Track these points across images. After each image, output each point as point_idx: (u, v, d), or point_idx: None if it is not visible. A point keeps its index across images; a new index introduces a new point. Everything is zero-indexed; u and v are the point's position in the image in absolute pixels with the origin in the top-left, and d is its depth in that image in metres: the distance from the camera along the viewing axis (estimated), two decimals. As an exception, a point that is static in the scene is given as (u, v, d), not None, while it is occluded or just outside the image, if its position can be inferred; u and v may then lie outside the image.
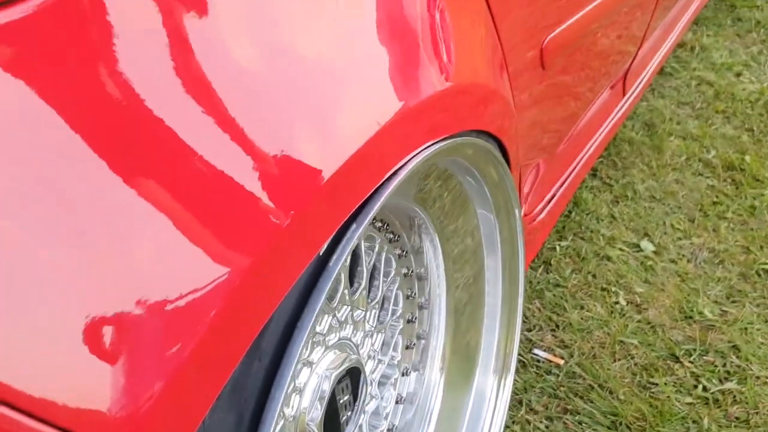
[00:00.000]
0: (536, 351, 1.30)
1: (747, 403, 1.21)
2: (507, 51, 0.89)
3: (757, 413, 1.20)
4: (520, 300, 0.93)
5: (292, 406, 0.72)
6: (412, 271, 0.92)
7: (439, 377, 0.93)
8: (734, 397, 1.22)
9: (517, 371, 1.26)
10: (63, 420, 0.37)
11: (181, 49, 0.44)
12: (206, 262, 0.43)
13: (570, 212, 1.64)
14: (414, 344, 0.96)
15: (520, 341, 1.31)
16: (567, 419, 1.18)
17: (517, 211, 0.84)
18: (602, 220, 1.62)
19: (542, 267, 1.48)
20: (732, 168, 1.81)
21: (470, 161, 0.75)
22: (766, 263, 1.50)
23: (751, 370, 1.27)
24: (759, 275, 1.47)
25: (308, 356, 0.72)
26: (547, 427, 1.17)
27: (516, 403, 1.21)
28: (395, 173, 0.59)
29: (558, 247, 1.53)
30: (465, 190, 0.78)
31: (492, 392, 0.94)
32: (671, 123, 2.02)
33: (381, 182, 0.58)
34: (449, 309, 0.92)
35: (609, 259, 1.51)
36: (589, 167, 1.57)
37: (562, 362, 1.28)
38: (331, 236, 0.52)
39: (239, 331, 0.45)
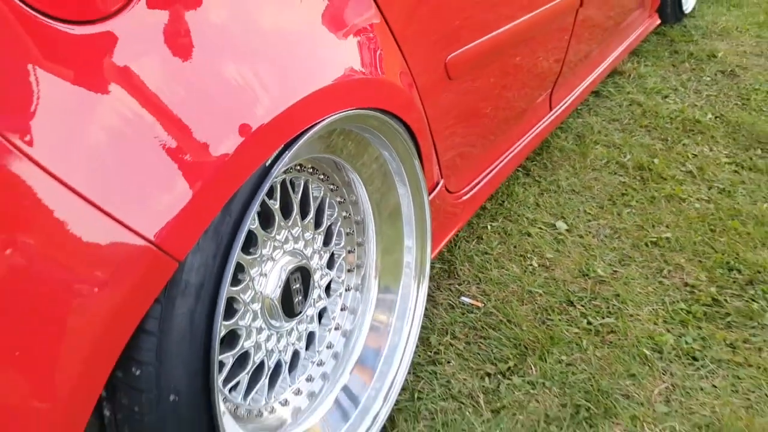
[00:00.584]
0: (463, 298, 1.68)
1: (619, 332, 1.58)
2: (413, 66, 1.29)
3: (626, 339, 1.57)
4: (428, 228, 1.32)
5: (261, 286, 1.10)
6: (350, 215, 1.32)
7: (375, 282, 1.32)
8: (611, 328, 1.60)
9: (445, 311, 1.64)
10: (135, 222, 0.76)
11: (186, 41, 0.84)
12: (205, 157, 0.82)
13: (503, 202, 2.04)
14: (354, 269, 1.35)
15: (450, 290, 1.70)
16: (481, 342, 1.56)
17: (416, 162, 1.23)
18: (528, 207, 2.01)
19: (475, 240, 1.87)
20: (642, 168, 2.20)
21: (377, 128, 1.16)
22: (654, 237, 1.88)
23: (627, 310, 1.65)
24: (647, 246, 1.86)
25: (271, 254, 1.12)
26: (465, 348, 1.55)
27: (443, 332, 1.58)
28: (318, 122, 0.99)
29: (489, 226, 1.93)
30: (366, 138, 1.17)
31: (413, 292, 1.33)
32: (599, 135, 2.42)
33: (310, 126, 0.98)
34: (378, 238, 1.31)
35: (529, 235, 1.90)
36: (516, 164, 1.96)
37: (481, 305, 1.66)
38: (274, 153, 0.92)
39: (217, 195, 0.85)
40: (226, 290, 0.89)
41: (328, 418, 1.16)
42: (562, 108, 2.22)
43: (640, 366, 1.50)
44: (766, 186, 2.12)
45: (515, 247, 1.85)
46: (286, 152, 0.95)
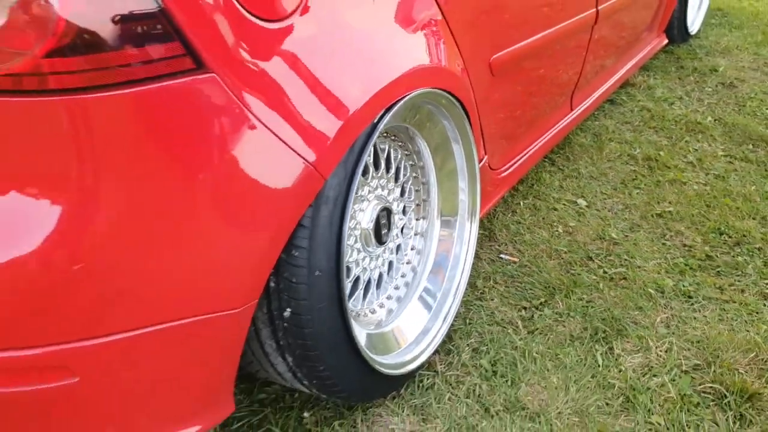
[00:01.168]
0: (502, 255, 2.07)
1: (629, 278, 1.97)
2: (467, 61, 1.71)
3: (634, 283, 1.95)
4: (477, 176, 1.73)
5: (360, 218, 1.51)
6: (418, 176, 1.73)
7: (438, 222, 1.73)
8: (623, 276, 1.98)
9: (488, 264, 2.04)
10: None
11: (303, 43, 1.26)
12: (335, 118, 1.24)
13: (533, 185, 2.44)
14: (422, 218, 1.76)
15: (491, 250, 2.10)
16: (517, 286, 1.95)
17: (468, 126, 1.65)
18: (554, 189, 2.41)
19: (510, 213, 2.27)
20: (650, 159, 2.60)
21: (441, 103, 1.57)
22: (658, 210, 2.27)
23: (636, 263, 2.03)
24: (653, 216, 2.25)
25: (367, 195, 1.53)
26: (504, 289, 1.94)
27: (487, 279, 1.98)
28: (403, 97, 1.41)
29: (522, 203, 2.33)
30: (432, 111, 1.59)
31: (467, 226, 1.74)
32: (613, 134, 2.82)
33: (399, 98, 1.39)
34: (439, 185, 1.72)
35: (555, 209, 2.30)
36: (544, 152, 2.37)
37: (517, 260, 2.05)
38: (377, 116, 1.34)
39: (347, 137, 1.26)
40: (351, 204, 1.29)
41: (415, 311, 1.58)
42: (582, 109, 2.62)
43: (646, 302, 1.88)
44: (755, 173, 2.51)
45: (543, 218, 2.25)
46: (386, 115, 1.37)
